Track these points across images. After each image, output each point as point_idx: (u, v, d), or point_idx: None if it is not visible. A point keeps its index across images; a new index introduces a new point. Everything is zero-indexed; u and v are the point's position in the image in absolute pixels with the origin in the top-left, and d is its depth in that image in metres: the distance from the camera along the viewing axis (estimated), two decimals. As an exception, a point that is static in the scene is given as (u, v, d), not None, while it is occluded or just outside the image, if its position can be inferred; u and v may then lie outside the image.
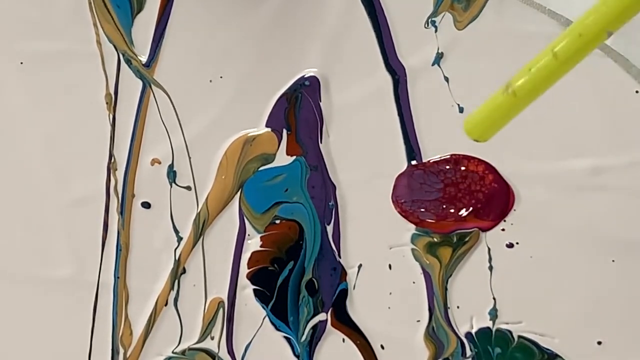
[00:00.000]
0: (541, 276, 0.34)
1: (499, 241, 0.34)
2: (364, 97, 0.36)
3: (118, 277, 0.35)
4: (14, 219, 0.36)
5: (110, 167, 0.36)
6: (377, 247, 0.35)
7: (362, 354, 0.34)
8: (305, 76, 0.36)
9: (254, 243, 0.35)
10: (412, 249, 0.35)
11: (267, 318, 0.35)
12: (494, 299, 0.34)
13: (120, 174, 0.36)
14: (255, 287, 0.35)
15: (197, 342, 0.35)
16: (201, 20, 0.37)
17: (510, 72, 0.35)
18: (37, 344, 0.35)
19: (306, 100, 0.36)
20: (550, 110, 0.34)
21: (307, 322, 0.35)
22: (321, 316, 0.35)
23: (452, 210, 0.35)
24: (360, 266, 0.35)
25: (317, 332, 0.35)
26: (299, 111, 0.36)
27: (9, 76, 0.37)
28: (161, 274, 0.35)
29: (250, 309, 0.35)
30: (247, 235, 0.35)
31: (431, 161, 0.35)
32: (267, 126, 0.36)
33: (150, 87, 0.37)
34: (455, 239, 0.34)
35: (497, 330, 0.34)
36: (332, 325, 0.35)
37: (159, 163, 0.36)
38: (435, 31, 0.36)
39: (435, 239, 0.35)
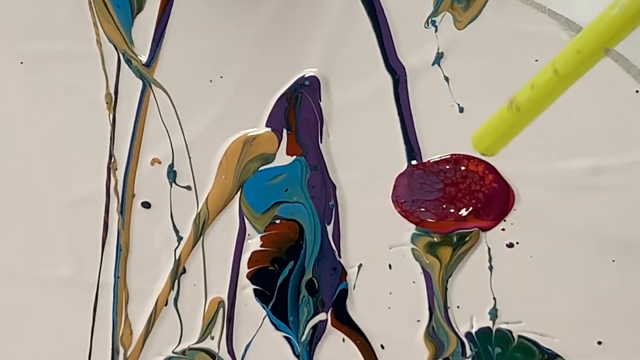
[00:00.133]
0: (541, 276, 0.34)
1: (499, 241, 0.34)
2: (364, 97, 0.36)
3: (118, 277, 0.35)
4: (14, 218, 0.36)
5: (110, 167, 0.36)
6: (377, 247, 0.35)
7: (362, 354, 0.34)
8: (305, 76, 0.36)
9: (254, 243, 0.35)
10: (412, 249, 0.35)
11: (267, 318, 0.35)
12: (494, 298, 0.34)
13: (120, 173, 0.36)
14: (255, 286, 0.35)
15: (197, 342, 0.35)
16: (201, 20, 0.37)
17: (510, 72, 0.35)
18: (37, 344, 0.35)
19: (306, 100, 0.36)
20: (550, 111, 0.34)
21: (307, 321, 0.35)
22: (321, 316, 0.35)
23: (452, 210, 0.35)
24: (360, 266, 0.35)
25: (317, 332, 0.35)
26: (299, 111, 0.36)
27: (9, 76, 0.37)
28: (161, 273, 0.35)
29: (251, 308, 0.35)
30: (247, 235, 0.35)
31: (431, 161, 0.35)
32: (267, 126, 0.36)
33: (151, 87, 0.37)
34: (455, 239, 0.34)
35: (497, 330, 0.34)
36: (332, 325, 0.35)
37: (159, 163, 0.36)
38: (435, 31, 0.36)
39: (436, 239, 0.35)
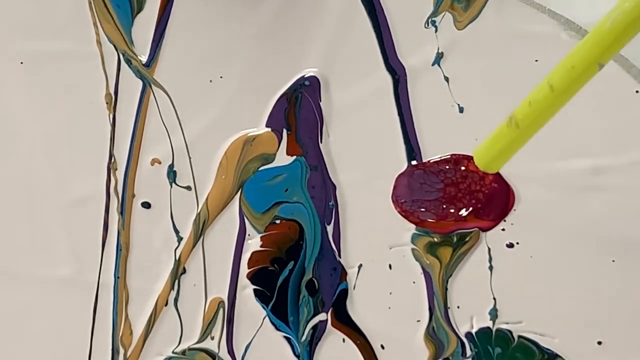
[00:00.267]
0: (541, 276, 0.34)
1: (499, 241, 0.34)
2: (364, 97, 0.36)
3: (118, 277, 0.35)
4: (14, 218, 0.36)
5: (111, 167, 0.36)
6: (377, 247, 0.35)
7: (362, 354, 0.34)
8: (305, 76, 0.36)
9: (254, 243, 0.35)
10: (412, 249, 0.35)
11: (267, 318, 0.35)
12: (494, 298, 0.34)
13: (120, 174, 0.36)
14: (255, 287, 0.35)
15: (197, 342, 0.35)
16: (201, 20, 0.37)
17: (510, 72, 0.35)
18: (37, 343, 0.35)
19: (306, 100, 0.36)
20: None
21: (307, 322, 0.35)
22: (321, 316, 0.35)
23: (452, 210, 0.35)
24: (360, 266, 0.35)
25: (317, 332, 0.35)
26: (299, 111, 0.36)
27: (9, 76, 0.37)
28: (161, 274, 0.35)
29: (251, 309, 0.35)
30: (247, 235, 0.35)
31: (431, 161, 0.35)
32: (267, 126, 0.36)
33: (150, 87, 0.37)
34: (455, 239, 0.34)
35: (498, 330, 0.34)
36: (332, 325, 0.35)
37: (159, 163, 0.36)
38: (435, 31, 0.36)
39: (436, 239, 0.35)
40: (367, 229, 0.35)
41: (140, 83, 0.37)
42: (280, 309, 0.35)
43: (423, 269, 0.34)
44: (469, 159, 0.35)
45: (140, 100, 0.37)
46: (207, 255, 0.35)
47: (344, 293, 0.35)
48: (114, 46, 0.37)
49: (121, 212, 0.36)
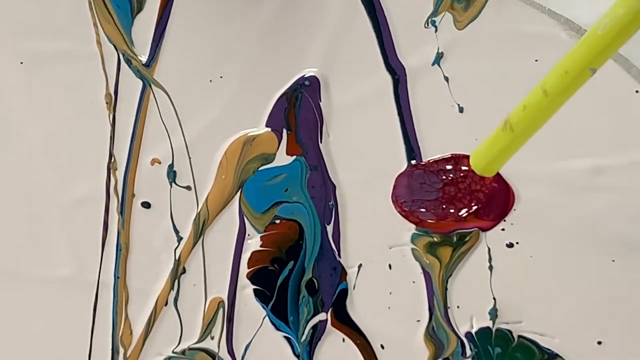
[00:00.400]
0: (541, 276, 0.34)
1: (499, 241, 0.34)
2: (364, 97, 0.36)
3: (118, 277, 0.35)
4: (14, 218, 0.36)
5: (110, 167, 0.36)
6: (377, 247, 0.35)
7: (362, 354, 0.34)
8: (305, 76, 0.36)
9: (254, 243, 0.35)
10: (412, 249, 0.35)
11: (267, 318, 0.35)
12: (494, 298, 0.34)
13: (120, 173, 0.36)
14: (255, 286, 0.35)
15: (197, 342, 0.35)
16: (201, 20, 0.37)
17: (510, 72, 0.35)
18: (37, 343, 0.35)
19: (306, 100, 0.36)
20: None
21: (307, 321, 0.35)
22: (321, 316, 0.35)
23: (452, 210, 0.35)
24: (360, 266, 0.35)
25: (317, 332, 0.35)
26: (299, 111, 0.36)
27: (9, 76, 0.37)
28: (161, 273, 0.35)
29: (250, 308, 0.35)
30: (247, 235, 0.35)
31: (431, 161, 0.35)
32: (267, 126, 0.36)
33: (150, 87, 0.37)
34: (455, 239, 0.34)
35: (497, 330, 0.34)
36: (332, 325, 0.35)
37: (159, 163, 0.36)
38: (435, 31, 0.36)
39: (435, 239, 0.35)
40: (367, 229, 0.35)
41: (140, 83, 0.37)
42: (280, 308, 0.35)
43: (423, 268, 0.34)
44: (469, 158, 0.35)
45: (140, 100, 0.37)
46: (207, 255, 0.35)
47: (344, 293, 0.35)
48: (114, 46, 0.37)
49: (121, 212, 0.36)
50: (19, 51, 0.37)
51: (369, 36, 0.36)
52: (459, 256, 0.34)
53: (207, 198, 0.36)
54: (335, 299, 0.35)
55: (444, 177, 0.35)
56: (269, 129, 0.36)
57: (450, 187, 0.35)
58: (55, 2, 0.37)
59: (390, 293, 0.34)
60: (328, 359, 0.34)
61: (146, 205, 0.36)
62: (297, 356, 0.34)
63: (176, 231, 0.36)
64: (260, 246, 0.35)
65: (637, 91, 0.35)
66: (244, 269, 0.35)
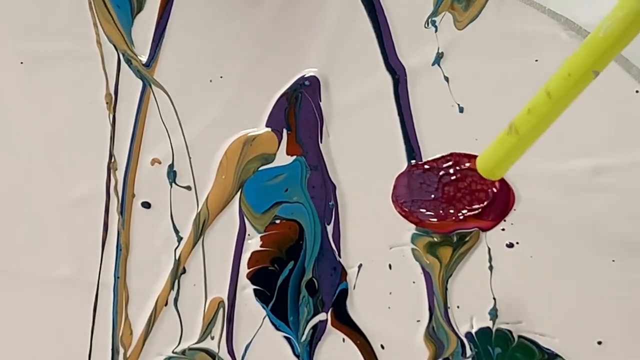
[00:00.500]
0: (541, 276, 0.34)
1: (499, 241, 0.34)
2: (364, 97, 0.36)
3: (118, 277, 0.35)
4: (14, 218, 0.36)
5: (111, 167, 0.36)
6: (377, 247, 0.35)
7: (362, 354, 0.34)
8: (305, 76, 0.36)
9: (254, 243, 0.35)
10: (412, 249, 0.35)
11: (267, 318, 0.35)
12: (494, 298, 0.34)
13: (120, 173, 0.36)
14: (255, 287, 0.35)
15: (197, 342, 0.35)
16: (201, 20, 0.37)
17: (510, 72, 0.35)
18: (37, 343, 0.35)
19: (306, 100, 0.36)
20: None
21: (307, 322, 0.35)
22: (321, 316, 0.35)
23: (451, 210, 0.35)
24: (360, 266, 0.35)
25: (317, 332, 0.35)
26: (299, 111, 0.36)
27: (9, 76, 0.37)
28: (161, 274, 0.35)
29: (251, 308, 0.35)
30: (247, 235, 0.35)
31: (431, 161, 0.35)
32: (267, 126, 0.36)
33: (151, 87, 0.37)
34: (455, 239, 0.34)
35: (497, 330, 0.34)
36: (332, 325, 0.35)
37: (159, 163, 0.36)
38: (436, 31, 0.36)
39: (436, 239, 0.35)
40: (367, 229, 0.35)
41: (140, 83, 0.37)
42: (280, 308, 0.35)
43: (423, 268, 0.34)
44: (469, 157, 0.35)
45: (140, 100, 0.37)
46: (207, 255, 0.35)
47: (344, 293, 0.35)
48: (114, 46, 0.37)
49: (121, 212, 0.36)
50: (19, 51, 0.37)
51: (369, 36, 0.36)
52: (459, 256, 0.34)
53: (207, 198, 0.36)
54: (335, 299, 0.35)
55: (443, 177, 0.35)
56: (269, 129, 0.36)
57: (450, 187, 0.35)
58: (55, 2, 0.37)
59: (391, 293, 0.34)
60: (328, 359, 0.34)
61: (146, 205, 0.36)
62: (297, 356, 0.34)
63: (176, 231, 0.36)
64: (261, 246, 0.35)
65: (637, 91, 0.35)
66: (244, 269, 0.35)
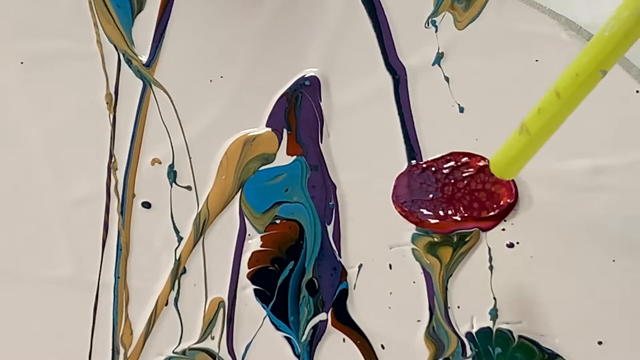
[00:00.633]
0: (541, 276, 0.34)
1: (499, 241, 0.34)
2: (364, 97, 0.36)
3: (118, 277, 0.35)
4: (14, 218, 0.36)
5: (111, 167, 0.36)
6: (377, 247, 0.35)
7: (363, 354, 0.34)
8: (306, 76, 0.36)
9: (254, 243, 0.35)
10: (413, 249, 0.35)
11: (267, 318, 0.35)
12: (495, 298, 0.34)
13: (120, 173, 0.36)
14: (255, 287, 0.35)
15: (198, 342, 0.35)
16: (201, 20, 0.37)
17: (510, 72, 0.35)
18: (37, 344, 0.35)
19: (306, 100, 0.36)
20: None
21: (308, 321, 0.35)
22: (321, 316, 0.35)
23: (451, 211, 0.35)
24: (360, 266, 0.35)
25: (318, 332, 0.35)
26: (299, 111, 0.36)
27: (9, 76, 0.37)
28: (161, 273, 0.35)
29: (251, 308, 0.35)
30: (247, 235, 0.35)
31: (431, 160, 0.35)
32: (267, 126, 0.36)
33: (151, 87, 0.37)
34: (455, 239, 0.34)
35: (498, 330, 0.34)
36: (333, 325, 0.35)
37: (159, 163, 0.36)
38: (436, 31, 0.36)
39: (436, 239, 0.35)
40: (367, 228, 0.35)
41: (141, 83, 0.37)
42: (280, 308, 0.35)
43: (423, 268, 0.34)
44: (469, 157, 0.35)
45: (141, 100, 0.37)
46: (208, 255, 0.35)
47: (344, 293, 0.35)
48: (114, 46, 0.37)
49: (121, 212, 0.36)
50: (19, 51, 0.37)
51: (369, 36, 0.36)
52: (460, 256, 0.34)
53: (207, 198, 0.36)
54: (335, 299, 0.35)
55: (444, 177, 0.35)
56: (269, 129, 0.36)
57: (450, 187, 0.35)
58: (55, 2, 0.37)
59: (391, 293, 0.34)
60: (328, 359, 0.34)
61: (146, 205, 0.36)
62: (298, 356, 0.34)
63: (176, 231, 0.36)
64: (261, 246, 0.35)
65: (637, 91, 0.35)
66: (244, 269, 0.35)
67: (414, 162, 0.35)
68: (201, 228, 0.35)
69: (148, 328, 0.35)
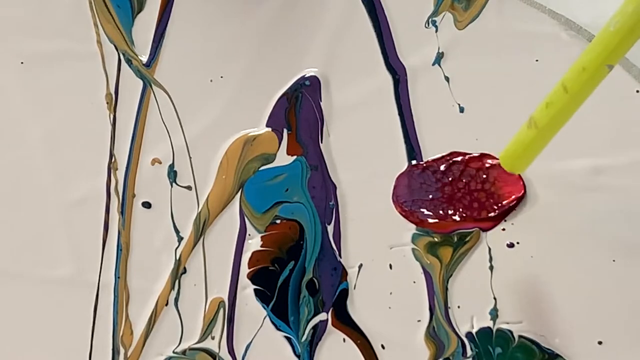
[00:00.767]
0: (541, 276, 0.34)
1: (499, 241, 0.34)
2: (364, 97, 0.36)
3: (118, 277, 0.35)
4: (14, 218, 0.36)
5: (111, 167, 0.36)
6: (377, 247, 0.35)
7: (363, 354, 0.34)
8: (306, 76, 0.36)
9: (254, 243, 0.35)
10: (413, 249, 0.35)
11: (267, 318, 0.35)
12: (495, 298, 0.34)
13: (120, 173, 0.36)
14: (255, 287, 0.35)
15: (198, 342, 0.35)
16: (201, 20, 0.37)
17: (510, 72, 0.35)
18: (37, 344, 0.35)
19: (306, 100, 0.36)
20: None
21: (308, 321, 0.35)
22: (322, 316, 0.35)
23: (451, 211, 0.35)
24: (360, 266, 0.35)
25: (318, 332, 0.34)
26: (300, 111, 0.36)
27: (9, 76, 0.37)
28: (162, 273, 0.35)
29: (251, 308, 0.35)
30: (247, 235, 0.35)
31: (431, 160, 0.35)
32: (267, 126, 0.36)
33: (151, 86, 0.37)
34: (455, 239, 0.34)
35: (498, 330, 0.34)
36: (333, 325, 0.35)
37: (160, 163, 0.36)
38: (436, 31, 0.36)
39: (436, 239, 0.35)
40: (368, 228, 0.35)
41: (141, 83, 0.37)
42: (280, 308, 0.35)
43: (423, 268, 0.34)
44: (470, 157, 0.35)
45: (141, 100, 0.37)
46: (208, 255, 0.35)
47: (345, 293, 0.35)
48: (115, 46, 0.37)
49: (121, 212, 0.36)
50: (19, 51, 0.37)
51: (369, 36, 0.36)
52: (460, 256, 0.34)
53: (207, 198, 0.36)
54: (335, 299, 0.35)
55: (444, 177, 0.35)
56: (269, 129, 0.36)
57: (450, 187, 0.35)
58: (55, 2, 0.37)
59: (391, 293, 0.34)
60: (328, 359, 0.34)
61: (147, 205, 0.36)
62: (298, 356, 0.34)
63: (177, 231, 0.36)
64: (261, 246, 0.35)
65: (637, 91, 0.35)
66: (244, 269, 0.35)
67: (414, 162, 0.35)
68: (201, 228, 0.35)
69: (148, 328, 0.35)
